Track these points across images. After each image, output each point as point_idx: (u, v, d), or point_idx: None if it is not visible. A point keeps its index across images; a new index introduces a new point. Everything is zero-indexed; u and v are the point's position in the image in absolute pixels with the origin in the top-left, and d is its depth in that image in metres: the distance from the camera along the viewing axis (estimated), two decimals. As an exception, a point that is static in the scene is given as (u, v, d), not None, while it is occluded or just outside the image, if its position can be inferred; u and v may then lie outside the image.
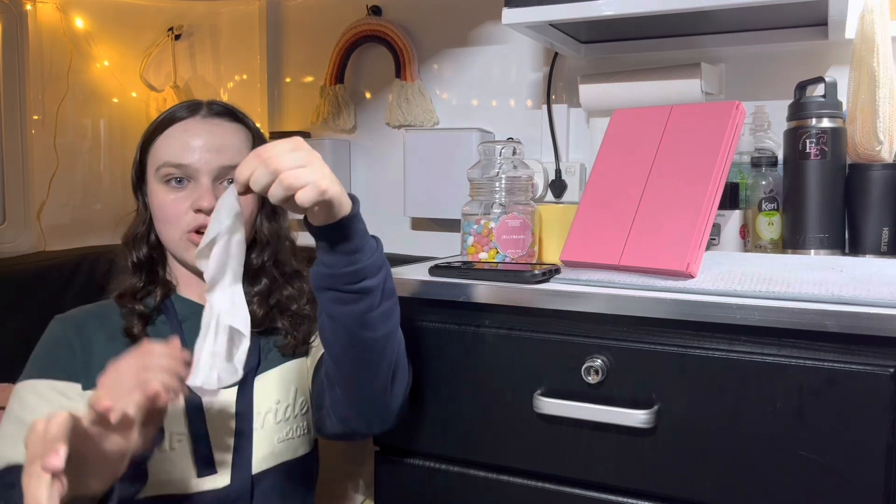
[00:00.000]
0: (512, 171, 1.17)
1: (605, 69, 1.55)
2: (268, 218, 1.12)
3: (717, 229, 1.29)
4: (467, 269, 1.01)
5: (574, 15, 1.25)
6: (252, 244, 1.10)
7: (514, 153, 1.19)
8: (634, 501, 0.91)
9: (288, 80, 1.96)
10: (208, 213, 0.99)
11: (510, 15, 1.28)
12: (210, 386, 0.86)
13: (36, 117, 1.80)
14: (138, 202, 1.12)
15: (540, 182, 1.60)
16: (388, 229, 1.83)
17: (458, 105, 1.76)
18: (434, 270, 1.04)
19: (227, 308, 0.89)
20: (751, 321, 0.83)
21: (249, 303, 0.99)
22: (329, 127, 1.87)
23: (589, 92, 1.50)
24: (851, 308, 0.80)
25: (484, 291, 0.97)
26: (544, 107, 1.64)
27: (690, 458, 0.87)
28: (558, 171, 1.61)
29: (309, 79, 1.93)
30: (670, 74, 1.43)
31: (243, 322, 0.90)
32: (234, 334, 0.89)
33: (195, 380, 0.85)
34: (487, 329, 0.98)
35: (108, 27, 1.95)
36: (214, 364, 0.86)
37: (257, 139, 1.12)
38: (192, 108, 1.08)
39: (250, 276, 1.08)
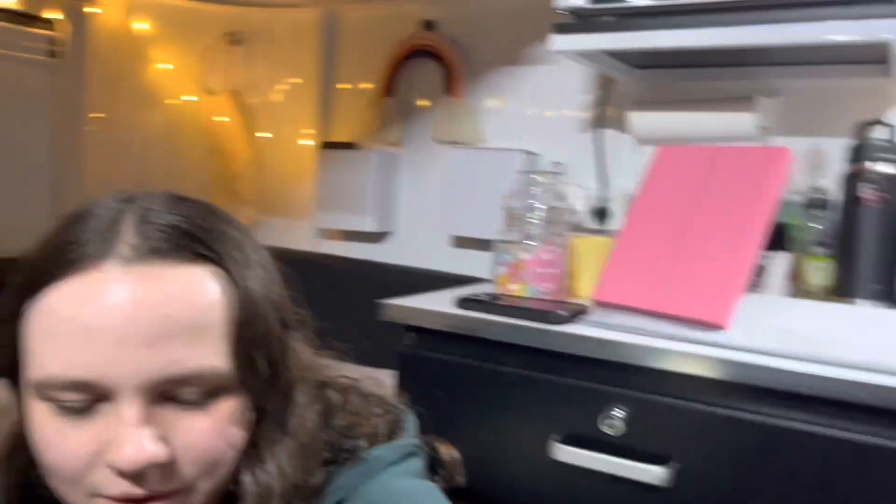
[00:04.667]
0: (550, 202, 1.15)
1: (658, 96, 1.50)
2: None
3: (761, 271, 1.24)
4: (492, 304, 1.00)
5: (626, 45, 1.22)
6: None
7: (554, 181, 1.16)
8: (647, 560, 0.88)
9: (340, 89, 1.97)
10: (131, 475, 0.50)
11: (560, 42, 1.25)
12: None
13: (94, 116, 1.85)
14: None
15: (582, 208, 1.56)
16: (429, 245, 1.84)
17: (505, 125, 1.74)
18: (462, 304, 1.03)
19: None
20: (779, 385, 0.80)
21: None
22: (377, 139, 1.87)
23: (639, 120, 1.46)
24: (885, 380, 0.75)
25: (506, 330, 0.95)
26: (593, 131, 1.60)
27: (708, 521, 0.84)
28: (603, 199, 1.58)
29: (360, 89, 1.94)
30: (725, 106, 1.38)
31: None
32: None
33: None
34: (508, 368, 0.96)
35: (168, 31, 1.99)
36: None
37: (241, 284, 0.55)
38: (104, 237, 0.52)
39: None
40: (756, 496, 0.81)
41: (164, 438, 0.50)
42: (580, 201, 1.56)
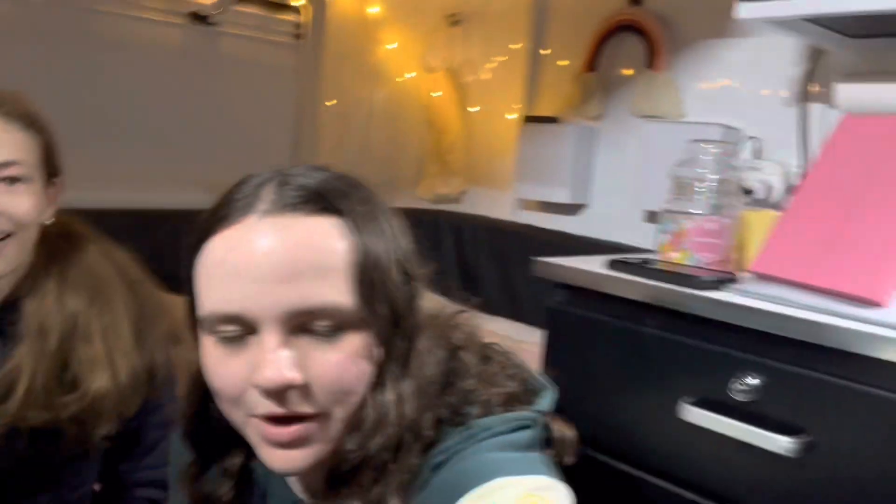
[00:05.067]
0: (721, 172, 1.14)
1: (873, 68, 1.39)
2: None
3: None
4: (639, 267, 1.02)
5: (820, 10, 1.16)
6: None
7: (725, 151, 1.14)
8: (768, 529, 0.87)
9: (547, 65, 2.04)
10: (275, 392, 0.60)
11: (747, 9, 1.21)
12: None
13: (328, 92, 2.10)
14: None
15: (779, 184, 1.49)
16: (623, 219, 1.85)
17: (706, 98, 1.70)
18: (612, 265, 1.06)
19: None
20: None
21: None
22: (577, 113, 1.91)
23: (847, 92, 1.36)
24: None
25: (647, 291, 0.98)
26: (798, 105, 1.52)
27: (834, 497, 0.81)
28: (804, 176, 1.49)
29: (566, 64, 1.99)
30: (947, 76, 1.25)
31: None
32: None
33: None
34: (648, 329, 0.98)
35: (396, 13, 2.19)
36: None
37: (365, 236, 0.64)
38: (248, 199, 0.63)
39: None
40: (888, 476, 0.77)
41: (299, 365, 0.59)
42: (777, 178, 1.49)
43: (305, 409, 0.60)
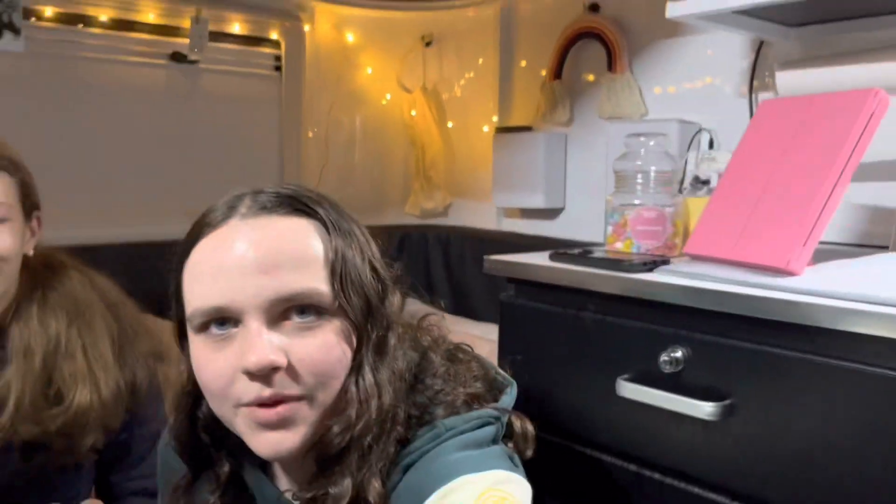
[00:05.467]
0: (657, 163, 1.19)
1: (815, 54, 1.44)
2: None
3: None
4: (577, 257, 1.08)
5: (744, 1, 1.22)
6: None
7: (660, 143, 1.20)
8: (701, 491, 0.92)
9: (517, 77, 2.11)
10: (260, 375, 0.67)
11: (674, 9, 1.28)
12: None
13: (310, 119, 2.19)
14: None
15: (735, 174, 1.54)
16: (597, 218, 1.91)
17: (666, 96, 1.76)
18: (552, 257, 1.13)
19: None
20: (824, 323, 0.80)
21: None
22: (547, 120, 1.98)
23: (787, 79, 1.41)
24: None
25: (584, 278, 1.03)
26: (749, 96, 1.57)
27: (756, 455, 0.86)
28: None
29: (534, 75, 2.06)
30: (877, 57, 1.30)
31: None
32: None
33: None
34: (587, 314, 1.04)
35: (372, 39, 2.28)
36: None
37: (335, 235, 0.72)
38: (229, 206, 0.72)
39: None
40: (802, 432, 0.82)
41: (283, 349, 0.66)
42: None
43: (291, 390, 0.67)
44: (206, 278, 0.68)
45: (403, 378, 0.74)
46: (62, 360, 1.09)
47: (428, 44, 2.27)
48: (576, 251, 1.12)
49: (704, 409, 0.88)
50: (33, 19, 1.75)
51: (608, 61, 1.83)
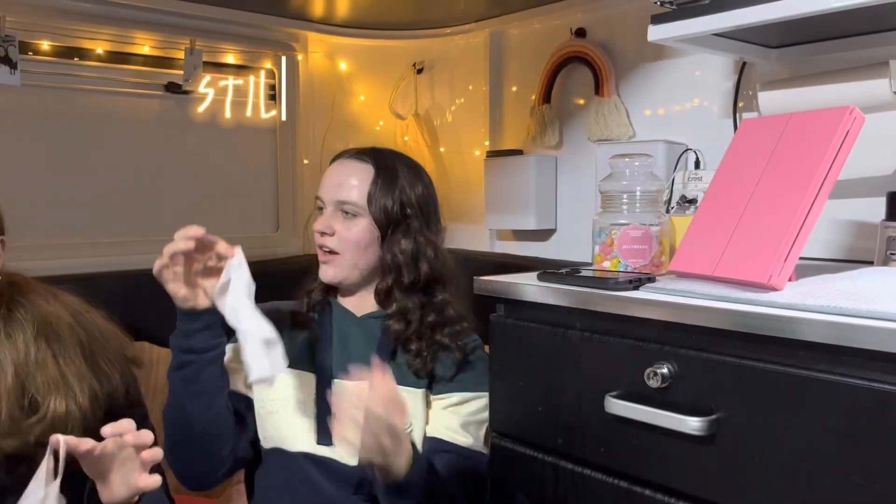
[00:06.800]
0: (642, 183, 1.21)
1: (800, 73, 1.47)
2: (392, 247, 1.28)
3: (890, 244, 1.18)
4: (564, 276, 1.10)
5: (717, 25, 1.24)
6: (380, 270, 1.30)
7: (645, 164, 1.23)
8: (689, 507, 0.93)
9: (507, 101, 2.15)
10: (321, 234, 1.28)
11: (655, 32, 1.31)
12: (263, 374, 1.05)
13: (305, 147, 2.22)
14: None
15: (722, 193, 1.56)
16: (587, 239, 1.92)
17: (653, 118, 1.79)
18: (540, 276, 1.14)
19: (255, 327, 1.06)
20: (805, 336, 0.81)
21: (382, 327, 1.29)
22: (537, 144, 2.01)
23: (769, 99, 1.44)
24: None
25: (570, 297, 1.05)
26: (734, 116, 1.60)
27: (743, 469, 0.87)
28: (744, 182, 1.56)
29: (524, 100, 2.09)
30: (856, 76, 1.32)
31: (270, 331, 1.06)
32: (268, 342, 1.06)
33: (252, 376, 1.05)
34: (574, 331, 1.05)
35: (365, 67, 2.32)
36: (259, 363, 1.04)
37: (382, 172, 1.28)
38: (337, 154, 1.35)
39: (380, 299, 1.31)
40: (787, 445, 0.83)
41: (333, 226, 1.28)
42: (718, 186, 1.56)
43: (332, 245, 1.28)
44: (322, 185, 1.32)
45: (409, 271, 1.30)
46: (34, 370, 1.10)
47: (419, 71, 2.31)
48: (563, 271, 1.14)
49: (691, 424, 0.89)
50: (30, 53, 1.78)
51: (596, 85, 1.87)
